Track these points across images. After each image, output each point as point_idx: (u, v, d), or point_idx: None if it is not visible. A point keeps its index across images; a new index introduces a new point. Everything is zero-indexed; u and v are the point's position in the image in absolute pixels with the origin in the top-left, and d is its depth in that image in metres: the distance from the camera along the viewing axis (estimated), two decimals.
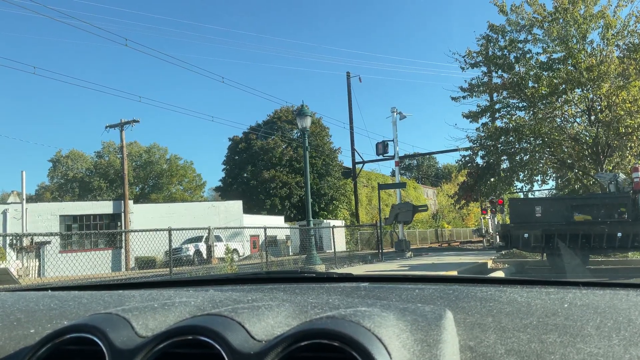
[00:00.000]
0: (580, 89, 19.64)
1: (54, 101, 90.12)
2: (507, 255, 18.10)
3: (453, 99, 22.73)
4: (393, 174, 36.76)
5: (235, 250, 23.44)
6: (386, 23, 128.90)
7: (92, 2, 70.20)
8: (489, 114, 22.43)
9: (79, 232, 28.54)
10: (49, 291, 1.40)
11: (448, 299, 1.03)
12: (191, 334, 0.72)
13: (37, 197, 54.08)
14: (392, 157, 24.98)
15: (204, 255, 22.83)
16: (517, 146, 21.58)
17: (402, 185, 25.11)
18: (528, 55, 21.02)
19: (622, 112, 18.17)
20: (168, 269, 14.47)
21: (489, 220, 17.23)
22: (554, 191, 27.04)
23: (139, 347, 0.73)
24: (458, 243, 40.36)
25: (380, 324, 0.71)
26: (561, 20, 19.35)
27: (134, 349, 0.73)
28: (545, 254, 14.41)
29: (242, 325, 0.73)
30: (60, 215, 30.41)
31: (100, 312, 0.84)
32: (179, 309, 0.87)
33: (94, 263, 19.53)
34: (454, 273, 12.15)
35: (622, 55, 19.34)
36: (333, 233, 20.73)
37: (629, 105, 18.03)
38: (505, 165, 22.84)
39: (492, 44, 21.54)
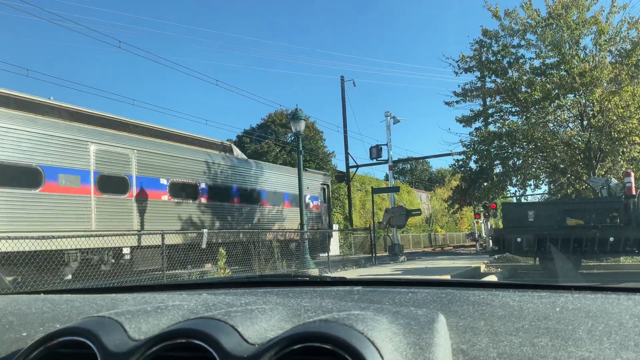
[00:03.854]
0: (573, 94, 19.75)
1: None
2: (500, 260, 18.17)
3: (447, 103, 22.82)
4: (387, 177, 36.79)
5: None
6: (380, 28, 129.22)
7: (85, 4, 70.03)
8: (482, 118, 22.50)
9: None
10: (42, 294, 1.39)
11: (441, 303, 1.03)
12: (184, 337, 0.72)
13: None
14: (386, 161, 24.95)
15: None
16: (510, 151, 21.65)
17: (395, 189, 25.12)
18: (521, 61, 21.15)
19: (615, 117, 18.28)
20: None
21: (482, 224, 17.28)
22: (547, 196, 27.12)
23: (131, 350, 0.73)
24: (451, 247, 40.40)
25: (373, 327, 0.72)
26: (554, 26, 19.47)
27: (127, 352, 0.73)
28: (537, 258, 14.47)
29: (235, 328, 0.73)
30: None
31: (92, 315, 0.84)
32: (172, 312, 0.87)
33: None
34: (447, 277, 12.17)
35: (614, 61, 19.48)
36: (327, 237, 20.70)
37: (621, 110, 18.14)
38: (498, 169, 22.91)
39: (485, 49, 21.66)
